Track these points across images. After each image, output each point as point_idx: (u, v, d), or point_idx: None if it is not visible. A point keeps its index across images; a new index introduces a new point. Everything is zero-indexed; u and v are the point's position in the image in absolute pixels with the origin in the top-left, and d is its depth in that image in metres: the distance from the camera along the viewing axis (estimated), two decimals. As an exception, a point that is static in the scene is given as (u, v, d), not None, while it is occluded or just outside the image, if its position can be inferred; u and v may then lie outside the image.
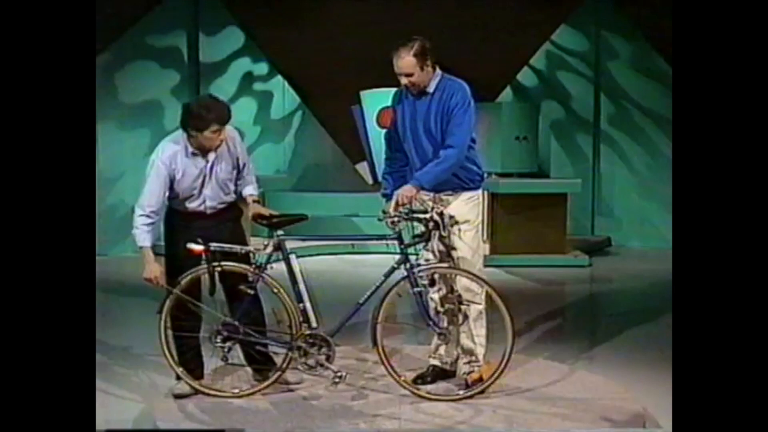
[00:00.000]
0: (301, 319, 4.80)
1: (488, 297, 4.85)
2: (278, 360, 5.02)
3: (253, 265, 4.82)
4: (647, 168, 11.39)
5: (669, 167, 8.44)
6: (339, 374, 4.78)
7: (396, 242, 4.75)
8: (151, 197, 4.78)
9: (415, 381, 4.96)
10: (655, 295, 8.33)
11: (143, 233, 4.79)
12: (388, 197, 5.05)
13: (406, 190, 4.75)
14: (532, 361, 5.32)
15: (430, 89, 4.90)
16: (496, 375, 4.81)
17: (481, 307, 4.96)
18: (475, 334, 4.96)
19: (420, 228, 4.77)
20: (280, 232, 4.85)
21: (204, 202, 4.88)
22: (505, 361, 4.78)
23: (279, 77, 11.95)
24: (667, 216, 10.01)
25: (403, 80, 4.87)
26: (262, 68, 11.89)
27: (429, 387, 4.96)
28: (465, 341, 4.98)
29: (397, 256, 4.76)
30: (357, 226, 10.41)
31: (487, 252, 9.40)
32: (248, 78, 11.73)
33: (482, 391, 4.81)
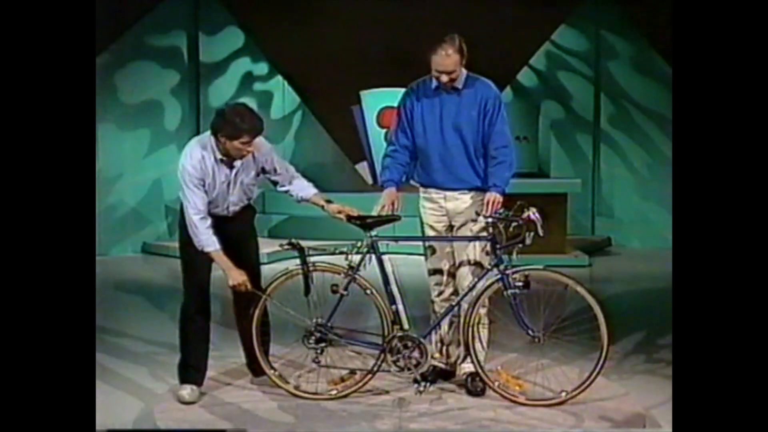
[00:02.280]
0: (393, 320, 4.79)
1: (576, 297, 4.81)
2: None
3: (346, 267, 4.78)
4: (647, 168, 11.39)
5: (669, 167, 8.43)
6: (423, 384, 4.77)
7: (490, 244, 4.76)
8: (196, 199, 4.65)
9: (415, 381, 4.96)
10: (655, 295, 8.32)
11: (209, 236, 4.65)
12: (384, 185, 5.01)
13: (496, 198, 4.77)
14: (532, 362, 5.32)
15: (459, 85, 4.90)
16: (593, 377, 4.77)
17: (485, 309, 4.95)
18: (477, 335, 4.95)
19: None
20: (373, 232, 4.81)
21: (228, 207, 4.83)
22: (600, 364, 4.75)
23: (279, 77, 11.96)
24: (667, 216, 10.01)
25: (444, 78, 4.83)
26: (262, 68, 11.89)
27: (432, 387, 4.95)
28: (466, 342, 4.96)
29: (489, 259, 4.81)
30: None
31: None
32: (248, 78, 11.74)
33: (580, 393, 4.77)
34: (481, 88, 4.92)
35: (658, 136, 11.20)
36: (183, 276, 4.91)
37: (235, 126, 4.57)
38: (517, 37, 11.31)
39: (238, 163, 4.75)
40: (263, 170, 4.89)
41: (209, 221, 4.68)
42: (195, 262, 4.77)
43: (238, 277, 4.69)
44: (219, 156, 4.70)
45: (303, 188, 5.02)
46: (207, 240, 4.66)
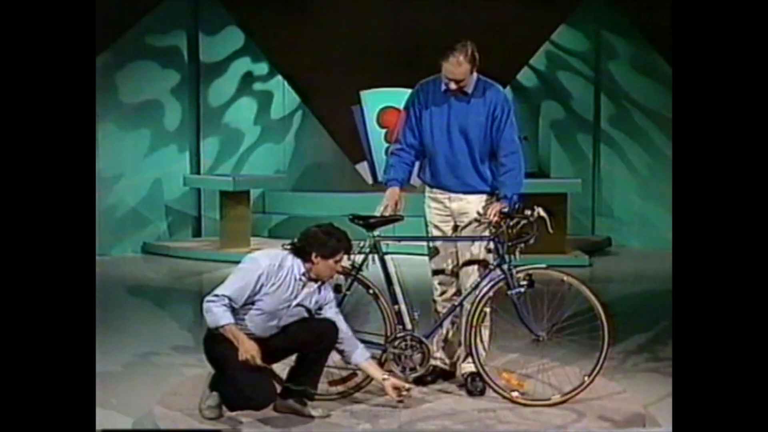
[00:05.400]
0: (395, 321, 4.79)
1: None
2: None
3: (349, 266, 4.76)
4: (647, 168, 11.38)
5: (669, 167, 8.43)
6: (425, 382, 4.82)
7: (493, 244, 4.77)
8: (238, 287, 4.40)
9: (415, 381, 4.96)
10: (655, 295, 8.32)
11: (223, 312, 4.33)
12: (388, 184, 5.01)
13: (500, 206, 4.77)
14: (532, 362, 5.32)
15: (469, 89, 4.89)
16: (593, 376, 4.79)
17: (487, 309, 4.95)
18: (479, 335, 4.94)
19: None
20: (376, 232, 4.82)
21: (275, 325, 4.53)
22: (600, 364, 4.78)
23: (279, 77, 11.95)
24: (667, 216, 9.99)
25: (452, 85, 4.83)
26: (262, 68, 11.88)
27: (430, 387, 4.96)
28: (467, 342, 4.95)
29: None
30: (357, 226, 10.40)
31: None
32: (248, 78, 11.72)
33: (579, 393, 4.79)
34: (491, 93, 4.92)
35: (658, 136, 11.18)
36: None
37: (331, 245, 4.46)
38: (517, 37, 11.30)
39: (309, 288, 4.55)
40: (320, 307, 4.61)
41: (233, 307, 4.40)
42: None
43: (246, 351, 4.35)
44: (300, 275, 4.48)
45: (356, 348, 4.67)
46: (222, 315, 4.34)
